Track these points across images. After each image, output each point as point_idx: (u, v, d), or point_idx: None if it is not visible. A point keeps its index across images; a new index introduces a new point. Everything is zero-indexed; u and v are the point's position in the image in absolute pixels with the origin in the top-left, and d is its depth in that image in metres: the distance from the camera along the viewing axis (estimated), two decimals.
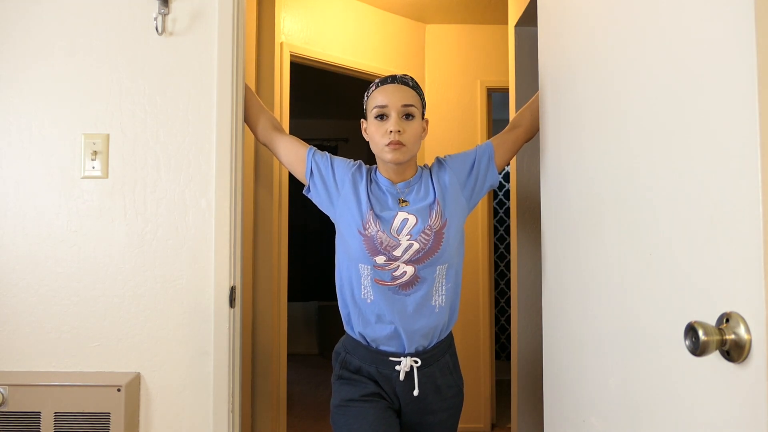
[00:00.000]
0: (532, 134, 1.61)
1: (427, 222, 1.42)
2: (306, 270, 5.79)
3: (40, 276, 1.55)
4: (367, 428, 1.37)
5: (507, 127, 1.62)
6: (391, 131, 1.39)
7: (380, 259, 1.40)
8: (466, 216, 1.51)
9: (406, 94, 1.42)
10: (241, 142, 1.61)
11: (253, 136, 1.71)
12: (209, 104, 1.58)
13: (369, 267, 1.41)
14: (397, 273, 1.40)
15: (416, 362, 1.41)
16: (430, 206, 1.44)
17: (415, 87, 1.47)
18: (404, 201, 1.47)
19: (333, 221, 1.53)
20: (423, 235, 1.40)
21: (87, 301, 1.55)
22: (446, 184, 1.48)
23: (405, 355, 1.42)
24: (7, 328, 1.54)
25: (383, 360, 1.43)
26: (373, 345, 1.44)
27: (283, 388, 2.57)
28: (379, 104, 1.42)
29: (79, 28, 1.58)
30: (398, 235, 1.40)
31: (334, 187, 1.50)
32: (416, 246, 1.40)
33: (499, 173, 1.55)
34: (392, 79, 1.45)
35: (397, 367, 1.41)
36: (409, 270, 1.40)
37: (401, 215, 1.43)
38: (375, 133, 1.43)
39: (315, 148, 1.57)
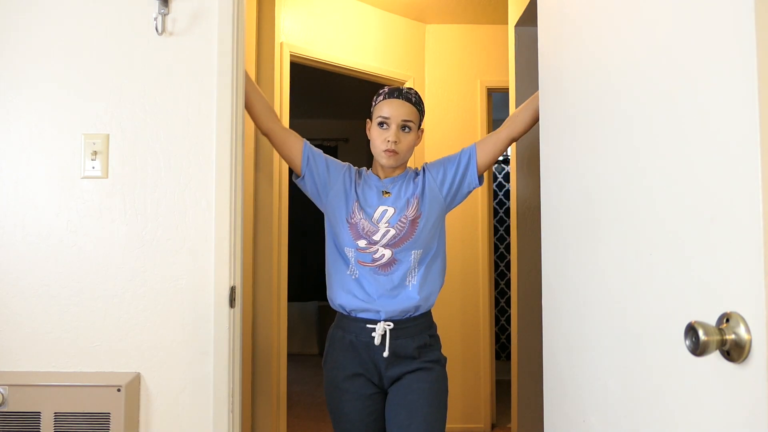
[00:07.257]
0: (518, 134, 1.74)
1: (404, 212, 1.64)
2: (306, 270, 5.78)
3: (40, 276, 1.55)
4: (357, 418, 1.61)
5: (499, 127, 1.77)
6: (389, 140, 1.61)
7: (362, 243, 1.62)
8: (443, 212, 1.70)
9: (407, 110, 1.64)
10: (241, 142, 1.61)
11: (252, 134, 1.74)
12: (209, 104, 1.58)
13: (353, 250, 1.64)
14: (377, 255, 1.62)
15: (389, 325, 1.59)
16: (408, 200, 1.66)
17: (417, 103, 1.68)
18: (387, 192, 1.69)
19: (322, 210, 1.72)
20: (399, 223, 1.63)
21: (87, 301, 1.55)
22: (426, 184, 1.70)
23: (379, 321, 1.59)
24: (7, 328, 1.54)
25: (361, 327, 1.61)
26: (353, 314, 1.63)
27: (283, 388, 2.57)
28: (383, 115, 1.64)
29: (79, 28, 1.58)
30: (378, 223, 1.64)
31: (327, 180, 1.69)
32: (393, 232, 1.62)
33: (482, 173, 1.72)
34: (398, 94, 1.66)
35: (373, 334, 1.58)
36: (387, 253, 1.62)
37: (381, 208, 1.66)
38: (376, 138, 1.65)
39: (308, 141, 1.73)
